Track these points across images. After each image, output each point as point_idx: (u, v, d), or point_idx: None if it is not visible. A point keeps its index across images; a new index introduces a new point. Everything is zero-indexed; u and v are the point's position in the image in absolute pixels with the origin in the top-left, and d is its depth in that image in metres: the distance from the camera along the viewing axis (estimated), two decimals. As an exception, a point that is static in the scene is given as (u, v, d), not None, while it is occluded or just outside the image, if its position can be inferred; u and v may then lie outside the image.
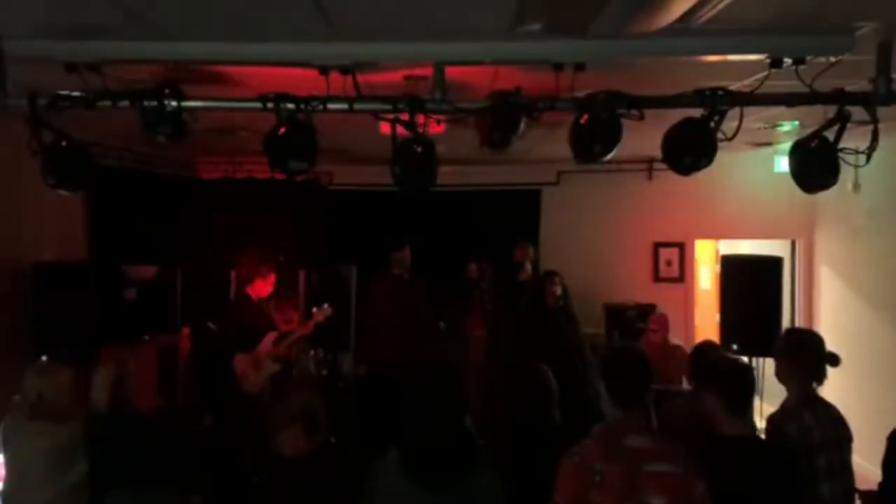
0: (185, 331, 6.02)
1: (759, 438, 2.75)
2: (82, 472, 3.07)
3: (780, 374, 2.89)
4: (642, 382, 2.30)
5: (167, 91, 2.65)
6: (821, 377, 2.82)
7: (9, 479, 3.11)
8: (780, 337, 3.17)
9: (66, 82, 2.67)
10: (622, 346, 2.70)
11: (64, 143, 2.73)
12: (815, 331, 3.05)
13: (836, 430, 2.79)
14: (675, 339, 5.72)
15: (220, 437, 5.73)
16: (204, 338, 6.43)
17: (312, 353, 6.38)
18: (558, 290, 5.66)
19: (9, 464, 3.11)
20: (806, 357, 2.84)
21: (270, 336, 5.69)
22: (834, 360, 2.86)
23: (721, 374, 2.63)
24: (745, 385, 2.59)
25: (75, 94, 2.67)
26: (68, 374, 3.18)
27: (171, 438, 2.60)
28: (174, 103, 2.66)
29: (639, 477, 2.13)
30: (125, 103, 2.66)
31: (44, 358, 3.74)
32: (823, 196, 2.98)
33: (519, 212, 7.24)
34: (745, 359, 4.37)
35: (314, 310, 6.03)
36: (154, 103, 2.64)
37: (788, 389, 2.85)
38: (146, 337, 5.21)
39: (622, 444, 2.18)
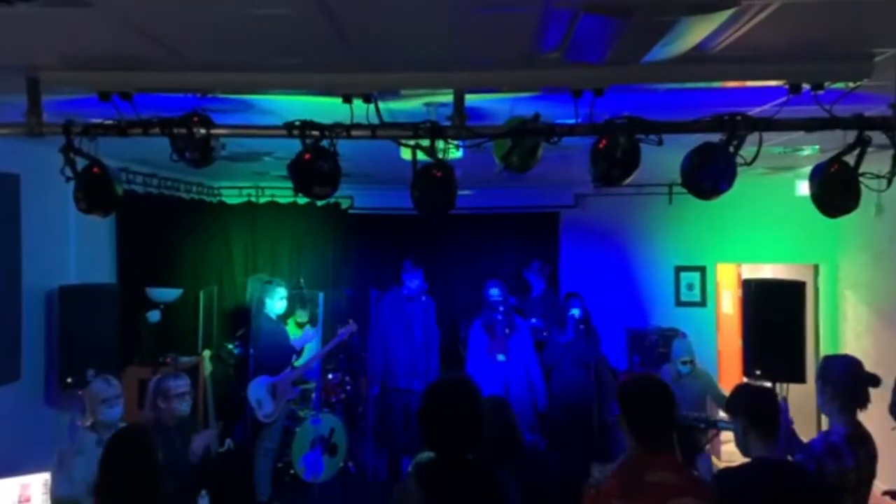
0: (206, 353, 6.08)
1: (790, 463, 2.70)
2: None
3: (823, 404, 2.82)
4: (666, 419, 2.20)
5: (196, 119, 2.73)
6: (864, 402, 2.77)
7: None
8: (819, 366, 3.04)
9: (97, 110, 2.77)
10: (643, 377, 2.59)
11: (95, 170, 2.81)
12: (852, 355, 2.98)
13: (871, 470, 2.73)
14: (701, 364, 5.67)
15: (240, 460, 5.76)
16: (224, 360, 6.50)
17: (330, 377, 6.41)
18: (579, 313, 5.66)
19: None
20: (845, 384, 2.76)
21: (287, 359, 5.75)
22: (875, 380, 2.81)
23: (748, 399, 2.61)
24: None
25: (108, 122, 2.76)
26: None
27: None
28: (203, 130, 2.73)
29: None
30: (156, 131, 2.74)
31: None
32: (846, 220, 2.95)
33: (537, 234, 7.26)
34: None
35: (339, 329, 6.07)
36: (183, 130, 2.71)
37: (832, 421, 2.79)
38: (167, 359, 5.26)
39: (643, 479, 2.10)
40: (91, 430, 3.34)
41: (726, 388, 7.61)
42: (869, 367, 2.87)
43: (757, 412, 2.50)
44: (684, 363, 5.28)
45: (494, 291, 5.96)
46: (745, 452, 2.52)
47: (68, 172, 2.80)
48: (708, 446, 4.84)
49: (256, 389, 5.53)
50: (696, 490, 2.14)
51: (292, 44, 2.42)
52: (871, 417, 2.77)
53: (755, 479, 2.37)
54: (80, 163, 2.83)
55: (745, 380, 5.23)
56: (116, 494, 2.29)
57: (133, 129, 2.75)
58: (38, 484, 3.28)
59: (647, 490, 2.09)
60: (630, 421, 2.21)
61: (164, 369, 5.11)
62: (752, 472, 2.43)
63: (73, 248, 4.82)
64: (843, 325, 6.67)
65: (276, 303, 5.76)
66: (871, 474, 2.73)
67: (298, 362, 5.95)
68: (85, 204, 2.84)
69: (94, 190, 2.82)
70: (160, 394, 3.45)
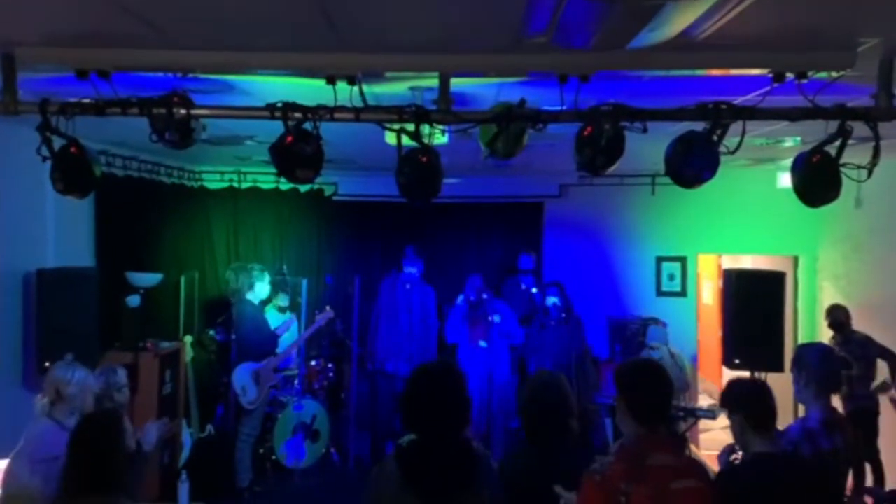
0: (188, 339, 6.03)
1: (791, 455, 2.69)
2: None
3: (799, 392, 2.86)
4: (665, 398, 2.26)
5: (176, 99, 2.68)
6: (838, 386, 2.82)
7: None
8: (794, 354, 3.08)
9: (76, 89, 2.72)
10: (639, 359, 2.61)
11: (73, 150, 2.76)
12: (822, 342, 3.05)
13: (848, 454, 2.78)
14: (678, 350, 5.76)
15: (221, 446, 5.73)
16: (205, 346, 6.45)
17: (313, 363, 6.39)
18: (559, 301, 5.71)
19: None
20: (819, 370, 2.80)
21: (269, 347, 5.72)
22: (847, 364, 2.86)
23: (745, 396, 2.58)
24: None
25: (85, 101, 2.70)
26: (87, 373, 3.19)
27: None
28: (183, 111, 2.69)
29: (667, 495, 2.09)
30: (134, 110, 2.69)
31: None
32: (826, 213, 2.99)
33: (522, 224, 7.27)
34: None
35: (316, 312, 6.06)
36: (163, 110, 2.67)
37: (808, 407, 2.84)
38: (148, 344, 5.21)
39: (646, 463, 2.13)
40: (52, 420, 3.07)
41: (705, 378, 7.74)
42: (847, 358, 2.93)
43: (754, 408, 2.47)
44: (653, 349, 5.39)
45: (474, 280, 6.03)
46: (744, 448, 2.52)
47: (45, 152, 2.75)
48: (687, 434, 4.91)
49: (241, 376, 5.50)
50: (695, 472, 2.18)
51: (276, 23, 2.38)
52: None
53: (756, 475, 2.36)
54: (58, 143, 2.78)
55: (724, 369, 5.32)
56: (83, 477, 2.28)
57: (111, 108, 2.70)
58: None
59: (651, 473, 2.11)
60: (630, 401, 2.23)
61: (144, 355, 5.08)
62: (753, 467, 2.41)
63: (51, 231, 4.74)
64: (822, 316, 6.75)
65: (264, 286, 5.77)
66: (849, 459, 2.77)
67: (278, 349, 5.93)
68: (62, 184, 2.79)
69: (71, 170, 2.77)
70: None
